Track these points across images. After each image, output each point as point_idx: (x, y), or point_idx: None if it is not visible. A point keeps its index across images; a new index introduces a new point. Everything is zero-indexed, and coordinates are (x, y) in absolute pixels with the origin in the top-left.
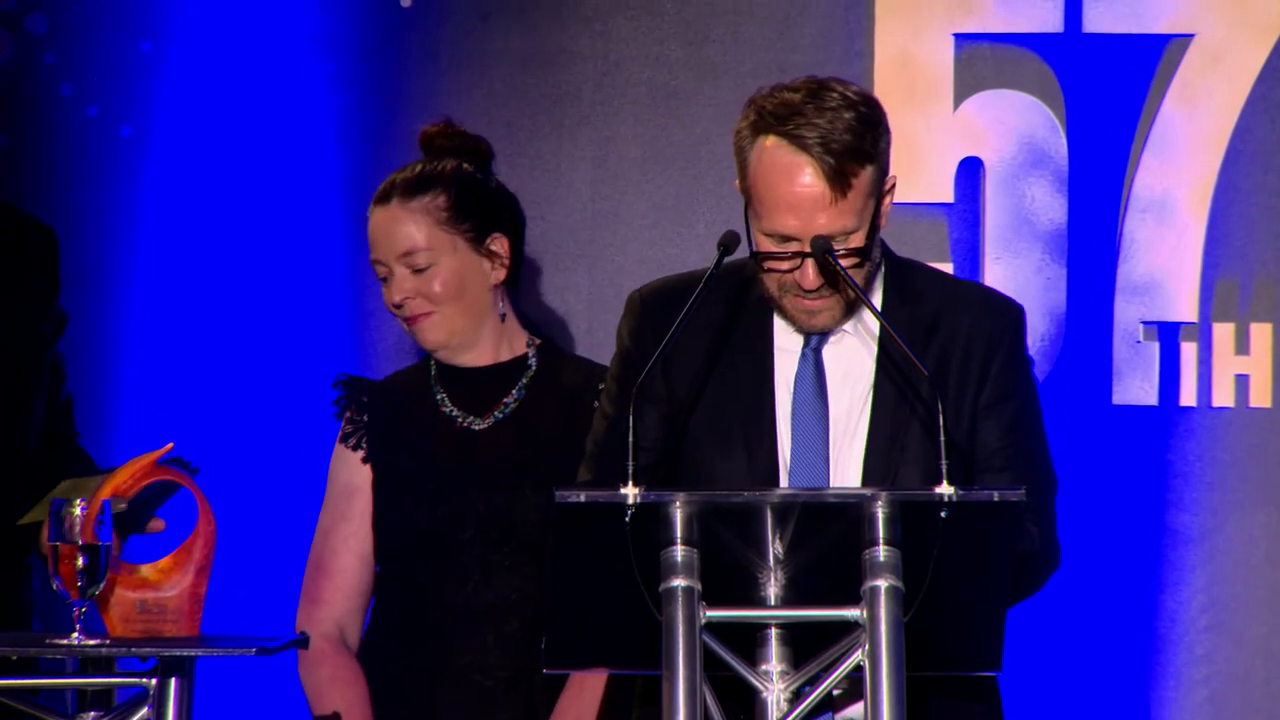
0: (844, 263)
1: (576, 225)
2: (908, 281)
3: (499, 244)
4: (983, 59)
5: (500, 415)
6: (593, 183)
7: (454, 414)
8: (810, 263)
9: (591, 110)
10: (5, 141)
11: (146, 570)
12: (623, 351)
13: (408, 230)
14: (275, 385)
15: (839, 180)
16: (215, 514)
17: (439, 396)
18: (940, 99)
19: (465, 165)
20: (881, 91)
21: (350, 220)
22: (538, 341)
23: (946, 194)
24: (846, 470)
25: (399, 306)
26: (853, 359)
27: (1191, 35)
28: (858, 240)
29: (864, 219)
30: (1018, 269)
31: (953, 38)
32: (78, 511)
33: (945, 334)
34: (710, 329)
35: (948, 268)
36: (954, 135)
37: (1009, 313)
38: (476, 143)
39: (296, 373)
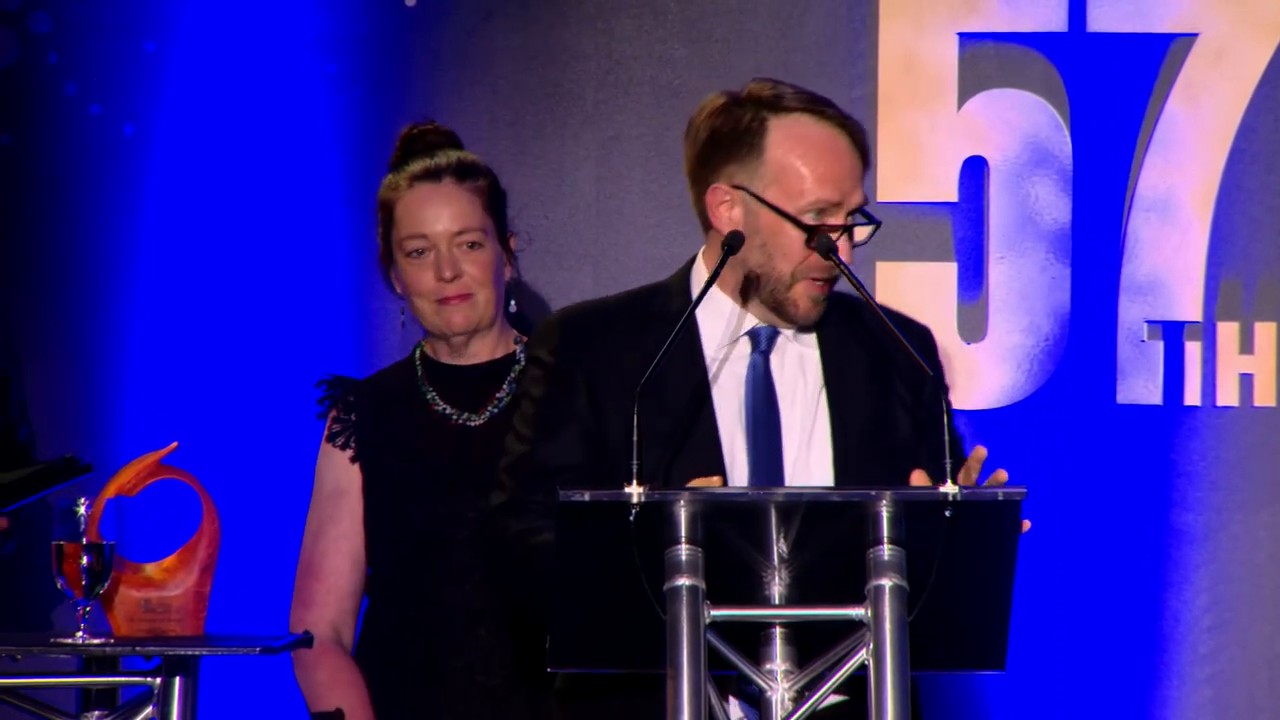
0: (865, 232)
1: (580, 224)
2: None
3: (513, 242)
4: (987, 58)
5: (495, 410)
6: (596, 181)
7: (448, 411)
8: (846, 237)
9: (595, 109)
10: (8, 140)
11: (151, 569)
12: (543, 375)
13: (464, 209)
14: (278, 385)
15: (864, 155)
16: (219, 513)
17: (429, 395)
18: (944, 98)
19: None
20: (885, 90)
21: (353, 220)
22: (525, 339)
23: (950, 193)
24: (809, 475)
25: (448, 281)
26: (796, 367)
27: (1195, 34)
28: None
29: None
30: (1022, 268)
31: (957, 37)
32: (82, 510)
33: (873, 354)
34: (630, 349)
35: (952, 267)
36: (958, 134)
37: (927, 334)
38: (456, 139)
39: (300, 373)
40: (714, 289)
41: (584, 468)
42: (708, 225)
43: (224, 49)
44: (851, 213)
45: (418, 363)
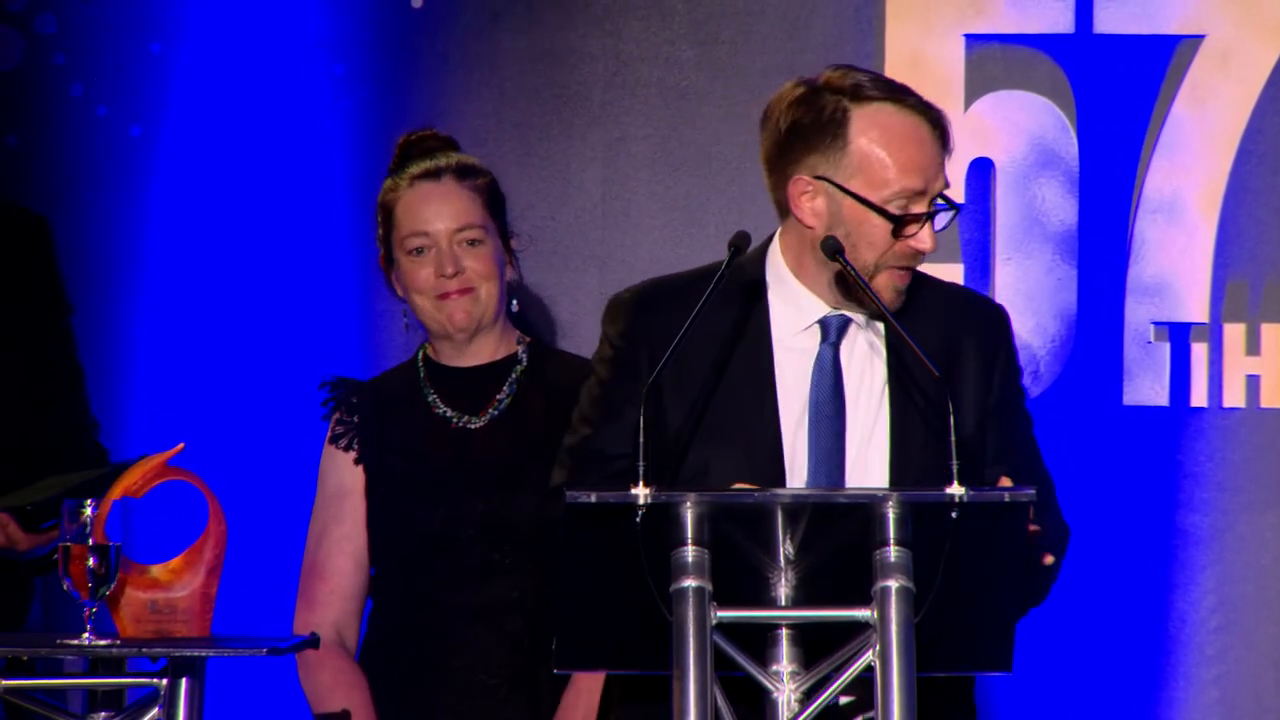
0: (946, 218)
1: (587, 226)
2: None
3: (514, 242)
4: (993, 59)
5: (495, 413)
6: (603, 183)
7: (448, 414)
8: (929, 225)
9: (602, 110)
10: (15, 141)
11: (157, 570)
12: (611, 355)
13: (465, 206)
14: (285, 386)
15: (945, 141)
16: (225, 515)
17: (430, 398)
18: (951, 99)
19: None
20: None
21: (360, 221)
22: (527, 340)
23: (957, 194)
24: (867, 471)
25: (449, 277)
26: (865, 359)
27: (1202, 36)
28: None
29: None
30: (1028, 269)
31: (963, 38)
32: (88, 512)
33: (944, 336)
34: (700, 328)
35: (958, 268)
36: (964, 136)
37: (1000, 314)
38: (455, 145)
39: (306, 374)
40: (785, 273)
41: (639, 450)
42: (785, 212)
43: (230, 50)
44: (934, 199)
45: (420, 365)
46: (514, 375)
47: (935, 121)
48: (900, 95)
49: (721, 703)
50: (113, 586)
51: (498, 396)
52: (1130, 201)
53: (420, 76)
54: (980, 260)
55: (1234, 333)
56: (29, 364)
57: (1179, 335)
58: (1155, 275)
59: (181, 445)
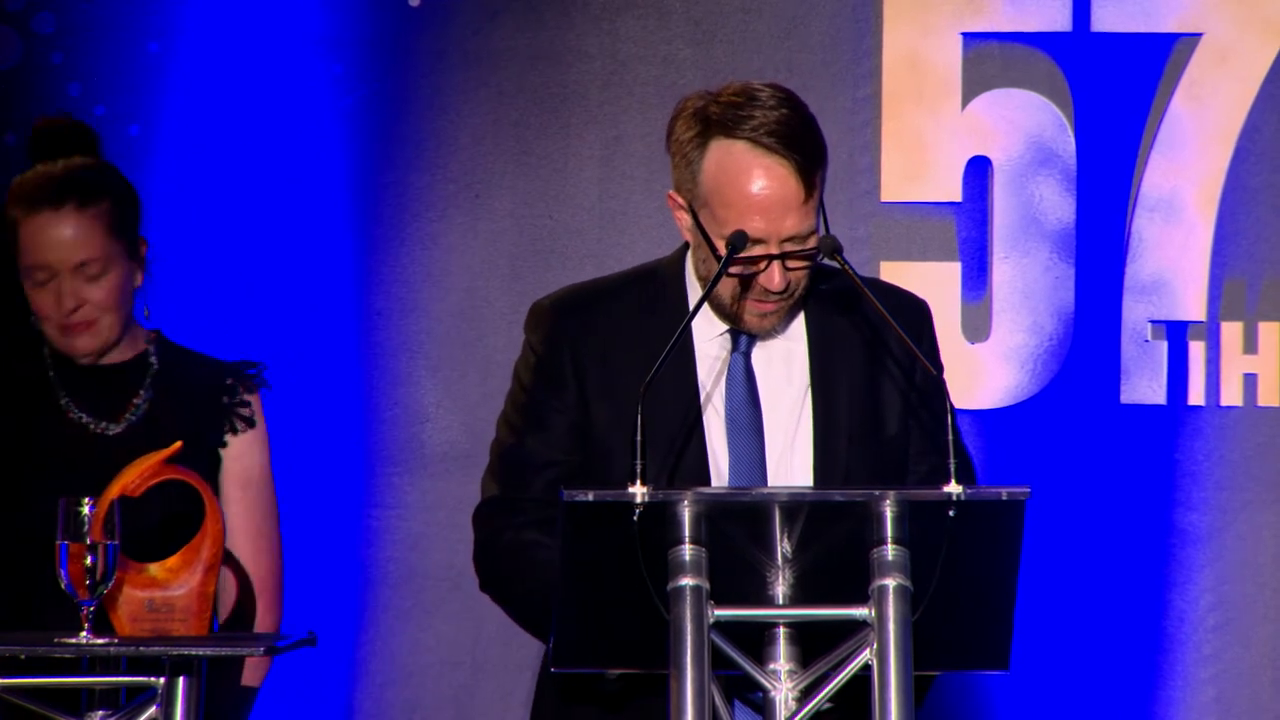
0: (801, 263)
1: (584, 224)
2: (822, 280)
3: (144, 248)
4: (991, 58)
5: (133, 418)
6: (600, 182)
7: (84, 420)
8: (777, 265)
9: (599, 109)
10: (13, 140)
11: (155, 569)
12: (534, 362)
13: (85, 238)
14: (282, 384)
15: (807, 177)
16: (222, 513)
17: (64, 401)
18: (948, 98)
19: (112, 167)
20: (890, 90)
21: (358, 220)
22: (153, 335)
23: (954, 193)
24: (791, 474)
25: (70, 313)
26: (783, 363)
27: (1200, 34)
28: (814, 242)
29: (818, 220)
30: (1026, 268)
31: (961, 37)
32: (86, 510)
33: (865, 330)
34: (624, 335)
35: (955, 267)
36: (962, 134)
37: (921, 307)
38: (91, 134)
39: (303, 372)
40: (696, 281)
41: (572, 461)
42: None
43: (228, 50)
44: (787, 241)
45: (47, 359)
46: (148, 380)
47: (800, 164)
48: (759, 134)
49: (719, 701)
50: (110, 585)
51: (135, 401)
52: (1128, 200)
53: (418, 75)
54: (977, 259)
55: (1231, 331)
56: None
57: (1176, 334)
58: (1153, 274)
59: (179, 444)
